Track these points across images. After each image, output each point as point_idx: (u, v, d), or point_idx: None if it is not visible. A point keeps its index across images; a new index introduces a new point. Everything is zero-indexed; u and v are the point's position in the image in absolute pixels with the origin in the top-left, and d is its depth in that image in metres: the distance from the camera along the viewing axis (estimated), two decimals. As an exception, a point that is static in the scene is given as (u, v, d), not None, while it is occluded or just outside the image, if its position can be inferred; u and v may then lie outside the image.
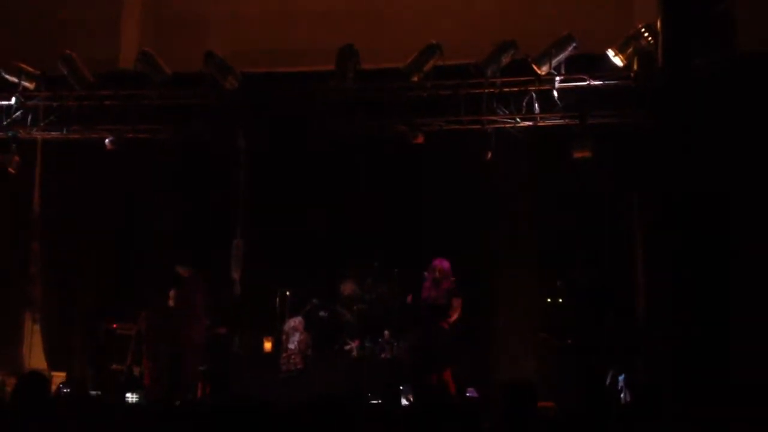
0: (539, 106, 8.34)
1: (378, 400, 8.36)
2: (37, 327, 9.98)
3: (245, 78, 8.72)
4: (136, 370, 9.45)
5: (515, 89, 8.34)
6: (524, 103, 8.36)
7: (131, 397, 8.65)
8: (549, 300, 9.21)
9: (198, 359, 9.29)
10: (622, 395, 7.95)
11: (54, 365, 9.67)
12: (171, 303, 9.35)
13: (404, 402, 8.36)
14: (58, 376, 9.41)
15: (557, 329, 8.69)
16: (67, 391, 8.60)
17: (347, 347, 9.18)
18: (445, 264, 8.35)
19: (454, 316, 8.23)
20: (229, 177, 9.25)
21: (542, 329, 8.69)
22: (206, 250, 9.52)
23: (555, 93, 8.24)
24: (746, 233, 7.14)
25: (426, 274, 8.38)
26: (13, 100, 9.13)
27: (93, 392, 8.65)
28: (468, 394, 8.37)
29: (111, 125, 9.11)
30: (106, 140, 9.10)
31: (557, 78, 8.16)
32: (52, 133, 9.37)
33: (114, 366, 9.58)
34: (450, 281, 8.29)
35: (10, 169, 9.21)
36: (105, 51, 9.56)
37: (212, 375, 9.27)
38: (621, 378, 8.03)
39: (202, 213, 9.78)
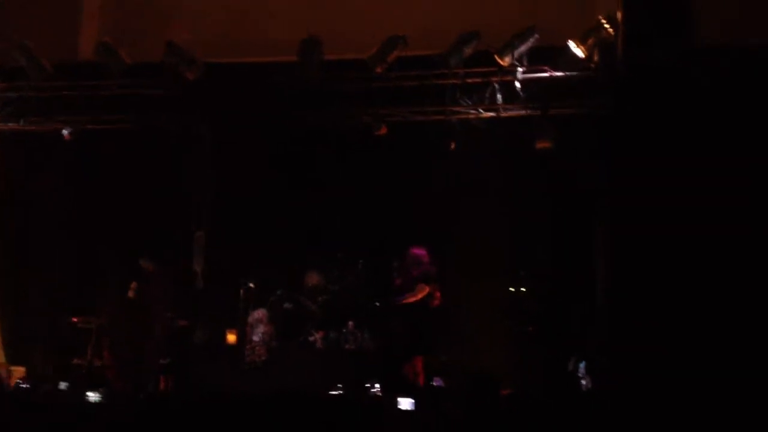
0: (502, 97, 8.41)
1: (343, 391, 8.38)
2: (-5, 321, 9.81)
3: (208, 68, 8.65)
4: (97, 364, 9.35)
5: (478, 80, 8.40)
6: (487, 94, 8.42)
7: (93, 396, 8.53)
8: (512, 289, 9.31)
9: (160, 352, 9.24)
10: (583, 382, 8.08)
11: (12, 360, 9.51)
12: (132, 296, 9.26)
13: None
14: (18, 371, 9.27)
15: (519, 317, 8.80)
16: (26, 387, 8.48)
17: (312, 339, 9.18)
18: (419, 252, 8.43)
19: (410, 299, 8.29)
20: (191, 168, 9.19)
21: (505, 318, 8.79)
22: (168, 242, 9.45)
23: (517, 84, 8.31)
24: (707, 221, 7.28)
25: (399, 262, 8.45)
26: (-31, 91, 8.97)
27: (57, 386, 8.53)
28: (434, 383, 8.44)
29: (69, 116, 8.97)
30: (64, 131, 8.97)
31: (520, 69, 8.24)
32: (9, 124, 9.20)
33: (75, 360, 9.47)
34: (421, 269, 8.35)
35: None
36: (64, 41, 9.40)
37: (175, 368, 9.20)
38: (582, 365, 8.16)
39: (163, 204, 9.69)
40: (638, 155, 7.60)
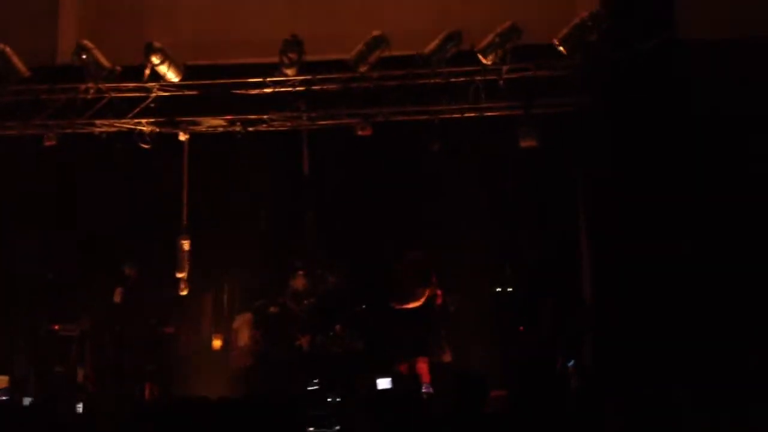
0: (485, 96, 8.37)
1: (331, 394, 8.33)
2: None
3: (188, 70, 8.57)
4: (80, 373, 9.23)
5: (461, 79, 8.36)
6: (470, 93, 8.37)
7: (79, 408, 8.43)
8: (499, 289, 9.28)
9: (145, 359, 9.14)
10: (571, 381, 8.04)
11: (-3, 369, 9.38)
12: (118, 301, 9.16)
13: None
14: (2, 380, 9.13)
15: (506, 317, 8.76)
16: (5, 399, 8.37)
17: (298, 343, 9.11)
18: (416, 255, 8.41)
19: (411, 305, 8.30)
20: (173, 173, 9.10)
21: (492, 317, 8.75)
22: (151, 248, 9.36)
23: (501, 83, 8.27)
24: (692, 215, 7.28)
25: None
26: (-54, 95, 8.83)
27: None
28: (424, 390, 8.39)
29: (49, 120, 8.86)
30: (45, 136, 8.86)
31: (503, 68, 8.20)
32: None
33: (57, 369, 9.35)
34: (418, 272, 8.31)
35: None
36: (42, 44, 9.28)
37: (160, 375, 9.11)
38: (570, 364, 8.13)
39: (146, 210, 9.60)
40: (622, 152, 7.59)
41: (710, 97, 6.68)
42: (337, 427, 6.90)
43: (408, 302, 8.40)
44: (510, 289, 9.19)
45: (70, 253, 9.80)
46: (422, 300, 8.41)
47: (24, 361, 9.58)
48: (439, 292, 8.53)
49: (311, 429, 6.38)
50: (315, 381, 8.36)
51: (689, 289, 7.24)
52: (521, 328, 8.60)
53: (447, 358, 8.54)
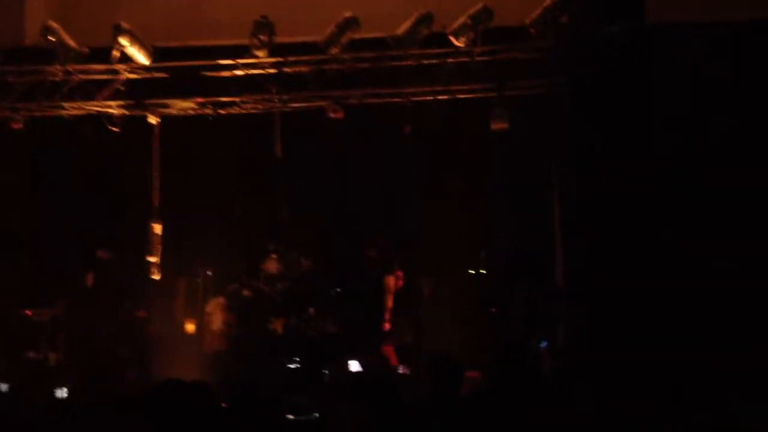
0: (458, 78, 8.36)
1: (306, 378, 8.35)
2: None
3: (157, 52, 8.47)
4: (53, 358, 9.16)
5: (434, 61, 8.33)
6: (443, 76, 8.35)
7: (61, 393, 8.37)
8: (473, 271, 9.31)
9: (118, 344, 9.09)
10: (543, 363, 8.11)
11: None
12: (91, 285, 9.09)
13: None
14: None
15: (480, 299, 8.80)
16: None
17: (272, 326, 9.10)
18: (377, 241, 8.44)
19: (390, 301, 8.35)
20: (144, 156, 9.01)
21: (465, 300, 8.79)
22: (123, 233, 9.28)
23: (473, 65, 8.26)
24: (665, 200, 7.33)
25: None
26: None
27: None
28: (400, 371, 8.44)
29: (17, 103, 8.72)
30: (12, 119, 8.73)
31: (475, 50, 8.18)
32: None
33: (30, 354, 9.27)
34: (381, 258, 8.37)
35: None
36: (9, 25, 9.10)
37: (134, 360, 9.07)
38: (543, 345, 8.20)
39: (117, 195, 9.51)
40: (595, 135, 7.62)
41: (679, 80, 6.72)
42: (316, 414, 6.92)
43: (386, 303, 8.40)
44: (483, 272, 9.23)
45: (41, 238, 9.70)
46: (393, 288, 8.44)
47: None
48: (399, 273, 8.54)
49: (290, 416, 6.39)
50: (292, 364, 8.36)
51: (662, 272, 7.30)
52: (494, 309, 8.64)
53: (408, 339, 8.61)
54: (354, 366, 7.80)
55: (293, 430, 4.05)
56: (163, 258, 8.94)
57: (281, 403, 4.22)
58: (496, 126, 8.17)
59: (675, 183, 7.31)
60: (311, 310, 9.06)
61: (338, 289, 9.25)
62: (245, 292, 9.31)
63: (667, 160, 7.18)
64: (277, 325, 9.08)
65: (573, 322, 8.07)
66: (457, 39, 8.08)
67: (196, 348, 9.20)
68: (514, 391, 6.02)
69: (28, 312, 9.46)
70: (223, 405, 4.02)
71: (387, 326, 8.48)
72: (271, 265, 9.41)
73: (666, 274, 7.13)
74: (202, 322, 9.38)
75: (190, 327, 9.52)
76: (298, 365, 8.37)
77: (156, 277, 8.89)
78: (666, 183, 7.25)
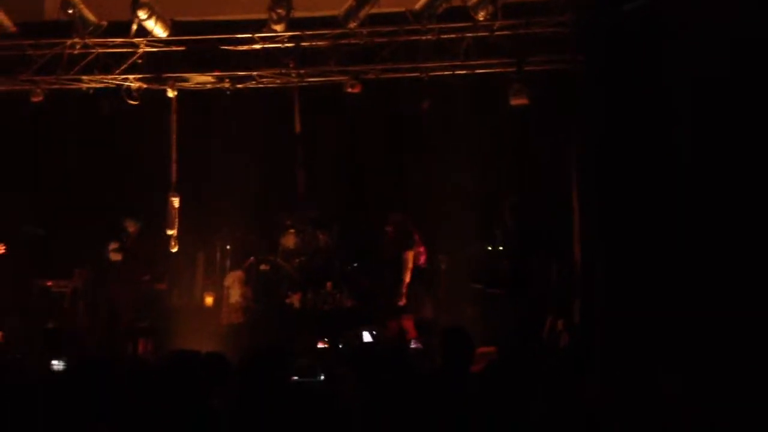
0: (476, 53, 8.29)
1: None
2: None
3: (175, 26, 8.47)
4: (72, 329, 9.29)
5: (452, 36, 8.26)
6: (462, 50, 8.29)
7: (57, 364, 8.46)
8: (489, 248, 9.28)
9: (138, 315, 9.20)
10: (560, 339, 8.10)
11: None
12: (113, 258, 9.18)
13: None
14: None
15: (493, 277, 8.77)
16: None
17: (288, 300, 9.16)
18: (396, 217, 8.43)
19: (407, 276, 8.35)
20: (163, 129, 9.05)
21: (477, 278, 8.78)
22: (142, 205, 9.35)
23: (492, 40, 8.19)
24: (681, 176, 7.25)
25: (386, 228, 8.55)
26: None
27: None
28: (413, 345, 8.48)
29: (36, 76, 8.78)
30: (32, 92, 8.80)
31: (494, 24, 8.10)
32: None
33: (50, 325, 9.40)
34: (401, 234, 8.36)
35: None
36: (29, 0, 9.17)
37: (153, 331, 9.18)
38: (559, 322, 8.18)
39: (136, 168, 9.57)
40: (613, 109, 7.54)
41: (700, 54, 6.60)
42: (322, 377, 6.98)
43: (405, 279, 8.43)
44: (501, 248, 9.20)
45: (61, 209, 9.80)
46: (411, 263, 8.44)
47: (17, 318, 9.62)
48: (421, 249, 8.56)
49: (295, 378, 6.43)
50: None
51: (679, 247, 7.23)
52: (501, 291, 8.58)
53: (428, 313, 8.63)
54: (366, 336, 7.86)
55: (298, 392, 4.09)
56: (182, 232, 9.00)
57: (287, 365, 4.26)
58: (515, 101, 8.10)
59: (695, 160, 7.21)
60: (328, 284, 9.11)
61: (355, 264, 9.30)
62: (263, 267, 9.37)
63: (686, 135, 7.08)
64: (294, 300, 9.14)
65: (590, 298, 8.04)
66: (476, 13, 8.01)
67: (215, 320, 9.28)
68: (528, 366, 6.03)
69: (49, 283, 9.60)
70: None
71: (403, 301, 8.48)
72: (289, 240, 9.46)
73: (683, 248, 7.06)
74: (221, 296, 9.45)
75: (209, 300, 9.61)
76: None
77: (174, 249, 8.96)
78: (686, 160, 7.16)
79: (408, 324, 8.49)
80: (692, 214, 7.04)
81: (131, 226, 9.18)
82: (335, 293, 9.08)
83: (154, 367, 4.57)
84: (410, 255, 8.49)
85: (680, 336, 6.75)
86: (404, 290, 8.48)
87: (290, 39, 8.41)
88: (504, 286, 8.40)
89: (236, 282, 9.38)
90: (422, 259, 8.61)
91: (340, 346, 8.34)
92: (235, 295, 9.33)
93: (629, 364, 6.73)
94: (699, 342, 6.57)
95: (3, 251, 8.78)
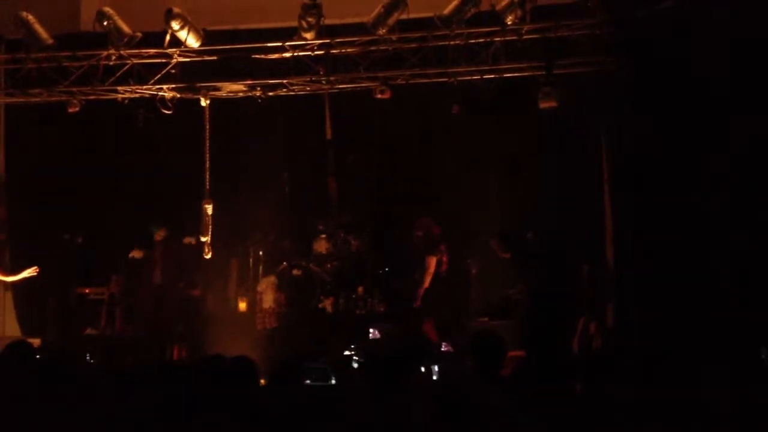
0: (505, 57, 8.30)
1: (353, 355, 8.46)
2: (9, 294, 9.91)
3: (208, 36, 8.60)
4: (110, 334, 9.45)
5: (481, 40, 8.27)
6: (490, 55, 8.30)
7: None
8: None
9: (173, 321, 9.32)
10: (593, 342, 8.05)
11: (28, 332, 9.63)
12: (142, 264, 9.31)
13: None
14: (33, 343, 9.35)
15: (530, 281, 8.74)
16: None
17: (321, 305, 9.23)
18: (425, 222, 8.49)
19: (427, 281, 8.38)
20: (196, 138, 9.18)
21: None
22: (176, 213, 9.49)
23: (520, 44, 8.18)
24: (712, 178, 7.18)
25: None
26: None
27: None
28: (443, 349, 8.49)
29: (72, 87, 8.96)
30: (68, 102, 8.99)
31: (523, 28, 8.10)
32: (14, 97, 9.24)
33: (88, 330, 9.57)
34: (428, 239, 8.43)
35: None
36: (64, 11, 9.37)
37: (188, 337, 9.29)
38: (591, 325, 8.13)
39: (171, 176, 9.71)
40: (645, 112, 7.49)
41: (730, 55, 6.54)
42: (333, 381, 7.01)
43: (424, 281, 8.49)
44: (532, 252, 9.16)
45: (98, 217, 9.97)
46: (433, 268, 8.48)
47: (55, 325, 9.81)
48: (445, 258, 8.57)
49: (308, 381, 6.45)
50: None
51: (713, 249, 7.16)
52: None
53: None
54: (373, 333, 7.90)
55: (310, 396, 4.11)
56: (216, 239, 9.11)
57: (298, 369, 4.29)
58: (544, 105, 8.08)
59: (730, 161, 7.13)
60: (360, 289, 9.16)
61: (386, 269, 9.34)
62: (295, 272, 9.46)
63: (720, 136, 7.01)
64: (327, 304, 9.21)
65: (623, 302, 7.99)
66: (504, 17, 8.01)
67: (248, 326, 9.37)
68: (558, 370, 6.01)
69: (86, 290, 9.77)
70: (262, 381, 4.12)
71: (417, 304, 8.50)
72: (321, 245, 9.53)
73: (717, 249, 6.99)
74: (254, 301, 9.54)
75: (242, 305, 9.70)
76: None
77: (208, 256, 9.07)
78: (720, 161, 7.09)
79: (428, 327, 8.51)
80: (726, 215, 6.96)
81: (159, 234, 9.32)
82: (367, 297, 9.14)
83: (182, 373, 4.61)
84: (433, 260, 8.54)
85: (715, 338, 6.69)
86: (421, 293, 8.49)
87: (320, 46, 8.49)
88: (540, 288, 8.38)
89: (269, 287, 9.46)
90: (444, 267, 8.61)
91: (353, 347, 8.40)
92: (268, 300, 9.41)
93: (664, 368, 6.68)
94: (736, 344, 6.50)
95: (35, 273, 8.98)
